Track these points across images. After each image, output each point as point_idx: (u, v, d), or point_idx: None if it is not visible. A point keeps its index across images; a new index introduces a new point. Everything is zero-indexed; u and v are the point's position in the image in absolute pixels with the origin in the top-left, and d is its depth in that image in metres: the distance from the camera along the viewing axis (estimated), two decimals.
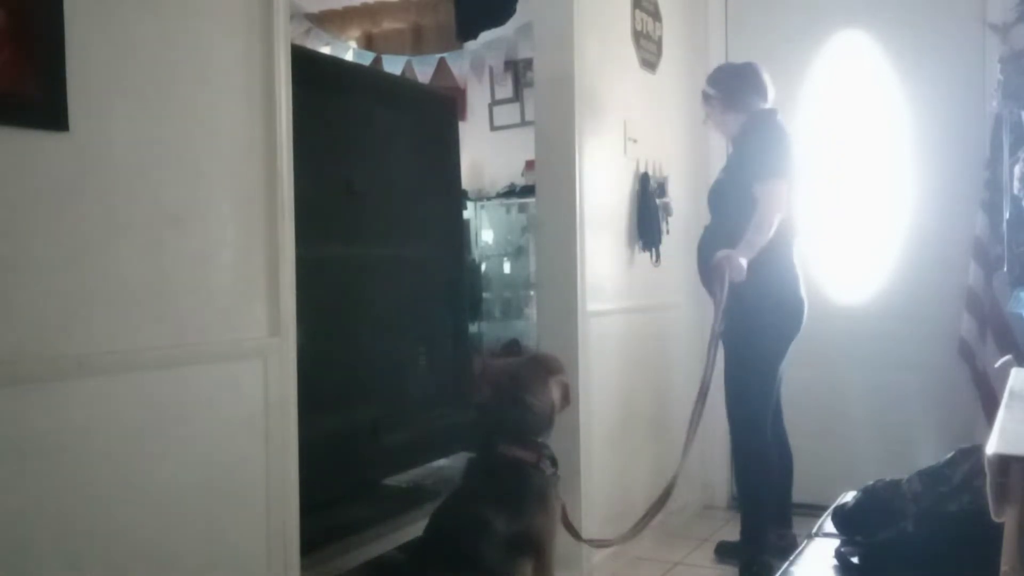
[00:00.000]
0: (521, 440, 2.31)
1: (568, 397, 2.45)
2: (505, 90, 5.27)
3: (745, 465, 3.22)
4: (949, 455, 1.86)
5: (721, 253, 3.02)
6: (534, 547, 2.25)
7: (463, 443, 3.13)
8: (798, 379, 4.06)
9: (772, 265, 3.09)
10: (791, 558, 1.98)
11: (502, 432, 2.31)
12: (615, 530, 3.12)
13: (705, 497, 4.22)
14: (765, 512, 3.19)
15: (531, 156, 3.66)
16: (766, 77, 3.32)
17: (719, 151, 4.14)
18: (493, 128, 5.30)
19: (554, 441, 2.44)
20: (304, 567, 2.07)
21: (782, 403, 3.38)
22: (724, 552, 3.46)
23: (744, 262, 2.98)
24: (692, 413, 2.95)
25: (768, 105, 3.32)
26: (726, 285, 2.97)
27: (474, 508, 2.20)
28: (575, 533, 2.56)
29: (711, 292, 3.12)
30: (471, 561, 2.14)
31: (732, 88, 3.36)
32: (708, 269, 3.11)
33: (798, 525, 3.21)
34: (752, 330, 3.10)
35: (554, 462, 2.35)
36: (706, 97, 3.43)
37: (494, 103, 5.30)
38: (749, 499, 3.23)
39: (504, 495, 2.22)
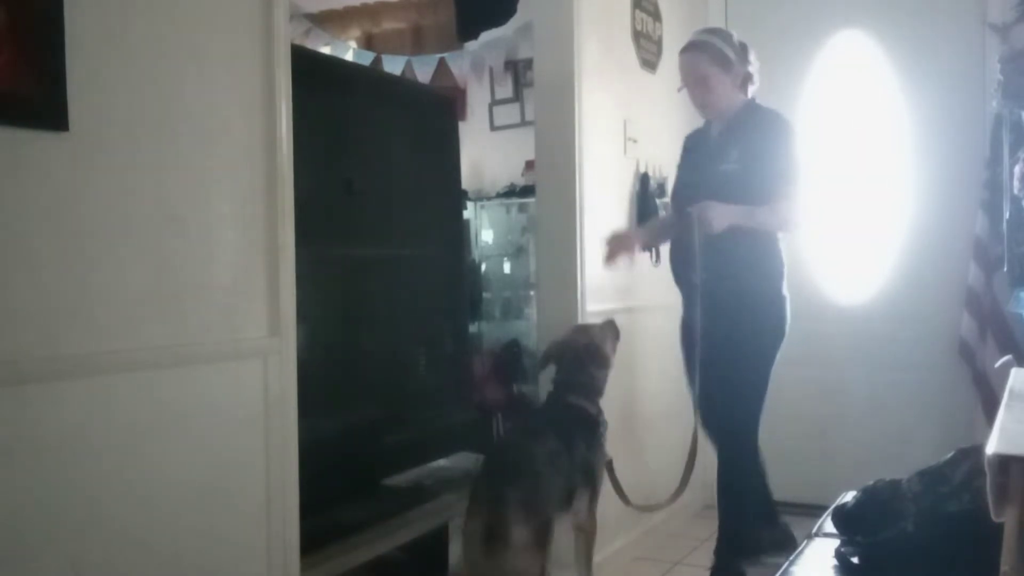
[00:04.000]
0: (586, 396, 2.71)
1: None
2: (505, 90, 5.26)
3: (733, 473, 3.00)
4: (949, 455, 1.86)
5: (701, 204, 2.79)
6: (591, 480, 2.62)
7: (463, 443, 3.13)
8: (798, 379, 4.06)
9: (771, 264, 2.99)
10: (791, 558, 1.98)
11: (572, 388, 2.71)
12: (616, 528, 3.13)
13: (705, 497, 4.21)
14: (747, 519, 3.03)
15: (531, 156, 3.66)
16: None
17: None
18: (493, 128, 5.29)
19: None
20: (304, 567, 2.07)
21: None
22: None
23: (727, 221, 2.75)
24: (693, 437, 2.92)
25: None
26: (697, 236, 2.79)
27: (551, 433, 2.55)
28: (624, 496, 2.81)
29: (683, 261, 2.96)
30: (545, 469, 2.44)
31: (744, 59, 3.02)
32: (684, 217, 2.88)
33: (798, 525, 3.20)
34: (752, 331, 2.94)
35: (606, 424, 2.73)
36: (718, 58, 2.96)
37: (494, 103, 5.30)
38: (734, 506, 3.03)
39: (577, 432, 2.61)
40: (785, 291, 2.99)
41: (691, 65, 3.00)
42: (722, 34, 3.08)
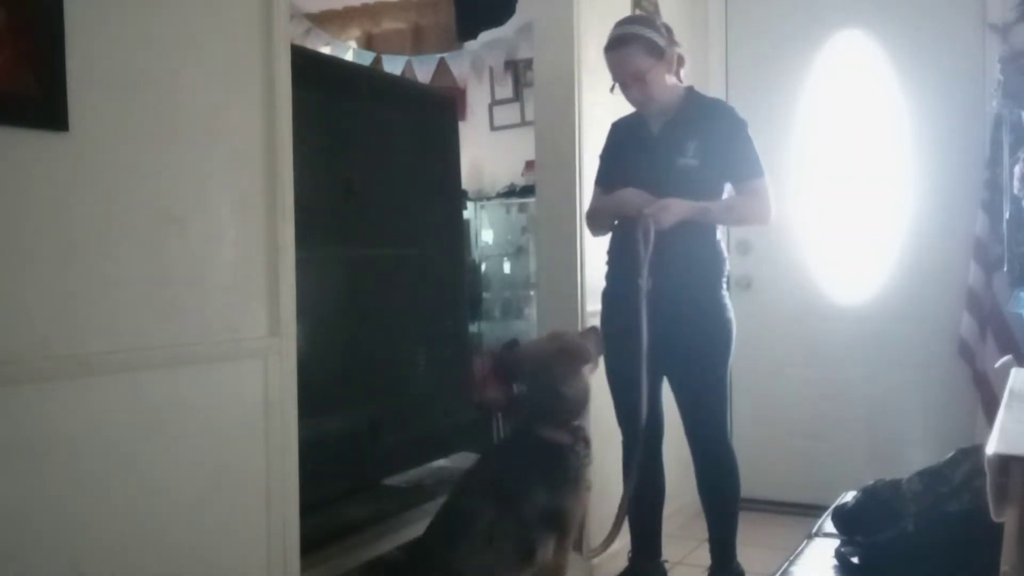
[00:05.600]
0: (558, 424, 2.42)
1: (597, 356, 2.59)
2: (505, 90, 5.26)
3: (718, 473, 2.92)
4: (949, 455, 1.87)
5: (658, 204, 2.67)
6: (561, 525, 2.35)
7: (463, 443, 3.13)
8: (799, 379, 4.07)
9: (715, 261, 2.85)
10: (790, 558, 1.99)
11: (541, 416, 2.43)
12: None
13: None
14: (736, 516, 2.97)
15: (531, 156, 3.66)
16: None
17: None
18: (493, 128, 5.30)
19: None
20: (304, 567, 2.07)
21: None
22: None
23: (677, 216, 2.65)
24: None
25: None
26: (651, 238, 2.65)
27: (507, 484, 2.32)
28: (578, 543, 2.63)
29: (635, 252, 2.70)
30: (496, 533, 2.25)
31: (672, 41, 2.84)
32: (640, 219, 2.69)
33: (798, 525, 3.20)
34: (710, 329, 2.82)
35: (587, 443, 2.45)
36: (650, 48, 2.75)
37: (494, 103, 5.30)
38: (729, 506, 2.96)
39: (541, 476, 2.33)
40: (726, 287, 2.88)
41: (622, 62, 2.78)
42: (646, 21, 2.93)
